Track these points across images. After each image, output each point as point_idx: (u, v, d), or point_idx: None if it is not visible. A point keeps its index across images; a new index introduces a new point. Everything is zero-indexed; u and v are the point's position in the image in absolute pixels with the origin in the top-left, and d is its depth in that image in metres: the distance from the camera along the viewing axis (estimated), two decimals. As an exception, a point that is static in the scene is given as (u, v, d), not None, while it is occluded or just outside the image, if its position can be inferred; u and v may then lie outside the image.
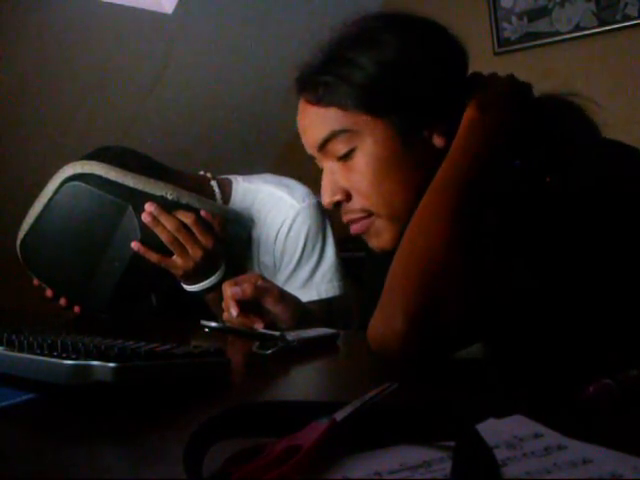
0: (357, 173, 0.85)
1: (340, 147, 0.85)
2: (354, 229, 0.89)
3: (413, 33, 0.86)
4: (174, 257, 1.19)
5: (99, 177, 1.18)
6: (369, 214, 0.87)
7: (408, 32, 0.86)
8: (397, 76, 0.83)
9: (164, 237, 1.17)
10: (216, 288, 1.23)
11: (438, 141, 0.84)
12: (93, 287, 1.23)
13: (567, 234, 0.75)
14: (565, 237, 0.74)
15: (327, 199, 0.88)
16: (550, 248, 0.74)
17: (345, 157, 0.85)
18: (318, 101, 0.85)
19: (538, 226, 0.76)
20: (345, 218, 0.89)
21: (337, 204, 0.88)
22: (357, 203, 0.87)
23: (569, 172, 0.78)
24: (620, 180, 0.78)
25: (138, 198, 1.18)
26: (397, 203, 0.85)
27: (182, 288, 1.25)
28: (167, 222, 1.17)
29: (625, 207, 0.76)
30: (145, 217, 1.17)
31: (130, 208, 1.18)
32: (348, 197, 0.87)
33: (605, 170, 0.79)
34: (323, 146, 0.86)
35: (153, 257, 1.19)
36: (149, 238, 1.18)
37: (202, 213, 1.19)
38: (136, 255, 1.19)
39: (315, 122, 0.87)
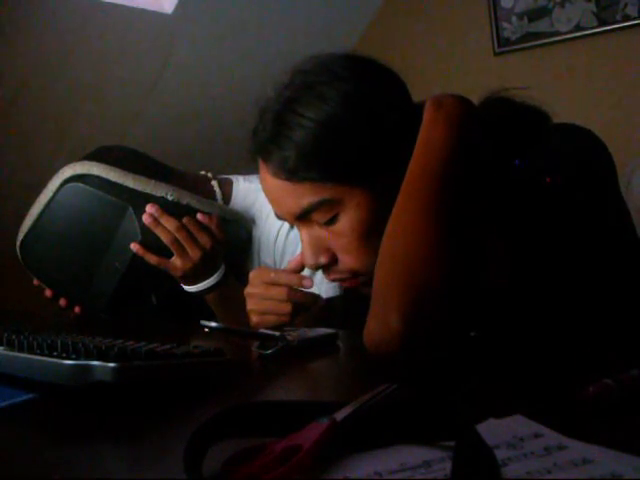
0: (343, 237, 0.84)
1: (322, 215, 0.83)
2: (346, 286, 0.90)
3: (363, 108, 0.82)
4: (173, 258, 1.19)
5: (99, 178, 1.18)
6: (355, 273, 0.87)
7: (359, 107, 0.82)
8: (362, 144, 0.81)
9: (164, 237, 1.17)
10: (215, 288, 1.23)
11: None
12: (93, 287, 1.23)
13: (547, 219, 0.77)
14: (546, 222, 0.77)
15: (312, 262, 0.87)
16: (535, 234, 0.76)
17: (328, 223, 0.84)
18: (288, 178, 0.82)
19: (522, 213, 0.79)
20: (330, 278, 0.89)
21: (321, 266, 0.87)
22: (344, 265, 0.86)
23: (539, 158, 0.80)
24: (587, 163, 0.80)
25: (138, 199, 1.18)
26: None
27: (182, 288, 1.25)
28: (167, 223, 1.17)
29: (597, 190, 0.79)
30: (146, 218, 1.17)
31: (130, 209, 1.18)
32: (332, 259, 0.87)
33: (573, 153, 0.81)
34: (303, 216, 0.85)
35: (152, 259, 1.19)
36: (148, 239, 1.18)
37: (199, 216, 1.19)
38: (136, 256, 1.19)
39: (289, 196, 0.84)
